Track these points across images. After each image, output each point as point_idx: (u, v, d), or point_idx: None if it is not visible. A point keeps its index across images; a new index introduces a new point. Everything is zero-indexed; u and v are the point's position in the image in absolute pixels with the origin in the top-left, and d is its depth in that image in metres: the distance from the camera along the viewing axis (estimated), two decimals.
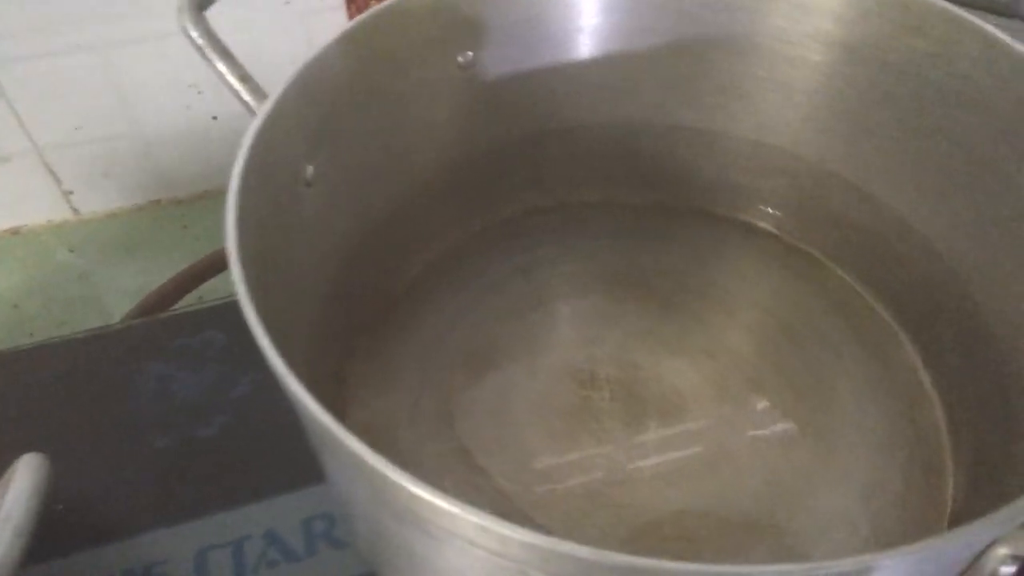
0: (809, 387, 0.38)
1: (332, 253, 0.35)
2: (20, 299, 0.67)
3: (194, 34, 0.30)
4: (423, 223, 0.41)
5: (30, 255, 0.70)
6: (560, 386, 0.38)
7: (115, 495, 0.37)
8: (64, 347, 0.43)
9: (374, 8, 0.33)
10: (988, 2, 0.39)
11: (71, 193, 0.70)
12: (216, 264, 0.58)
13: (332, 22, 0.65)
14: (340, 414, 0.36)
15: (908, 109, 0.35)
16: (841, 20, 0.36)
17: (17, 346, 0.43)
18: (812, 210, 0.42)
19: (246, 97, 0.30)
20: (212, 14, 0.31)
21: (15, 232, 0.71)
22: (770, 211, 0.44)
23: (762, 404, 0.37)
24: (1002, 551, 0.20)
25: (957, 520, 0.33)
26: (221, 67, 0.30)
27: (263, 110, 0.28)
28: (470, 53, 0.37)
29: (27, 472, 0.30)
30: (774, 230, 0.44)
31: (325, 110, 0.32)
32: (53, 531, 0.35)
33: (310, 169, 0.32)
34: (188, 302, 0.57)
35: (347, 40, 0.32)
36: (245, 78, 0.30)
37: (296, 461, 0.30)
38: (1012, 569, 0.20)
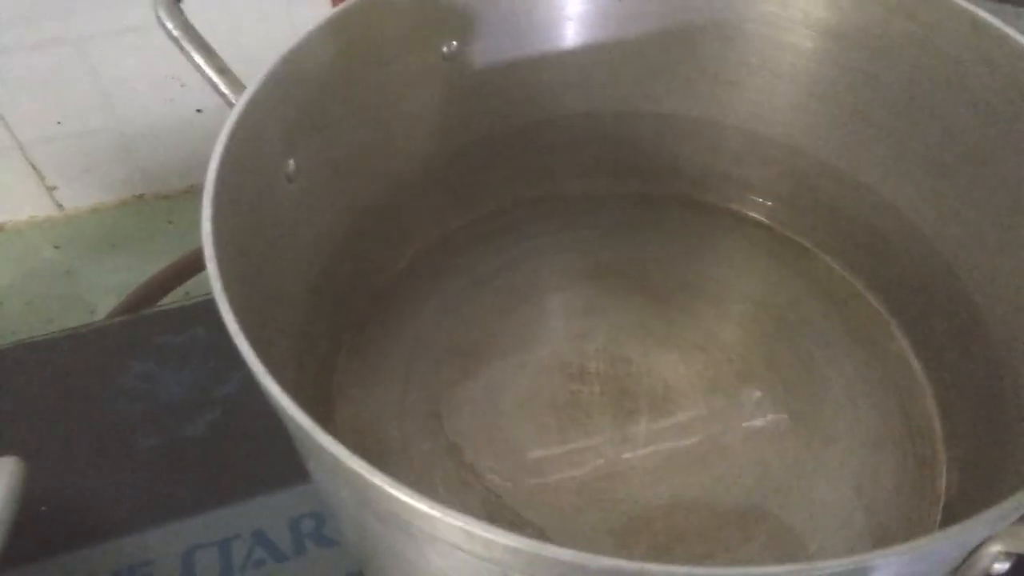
0: (801, 379, 0.37)
1: (316, 248, 0.35)
2: (3, 296, 0.67)
3: (169, 25, 0.30)
4: (408, 216, 0.40)
5: (13, 252, 0.69)
6: (550, 380, 0.37)
7: (100, 495, 0.37)
8: (48, 345, 0.42)
9: None
10: None
11: (55, 189, 0.69)
12: (202, 260, 0.57)
13: (317, 9, 0.64)
14: (328, 412, 0.36)
15: (899, 95, 0.35)
16: (832, 5, 0.35)
17: (0, 344, 0.43)
18: (803, 200, 0.42)
19: (224, 90, 0.30)
20: (193, 1, 0.31)
21: None
22: (760, 200, 0.43)
23: (753, 396, 0.37)
24: (996, 548, 0.20)
25: (950, 511, 0.33)
26: (198, 59, 0.30)
27: (239, 103, 0.28)
28: (455, 42, 0.37)
29: (2, 476, 0.30)
30: (765, 220, 0.44)
31: (306, 102, 0.32)
32: (38, 532, 0.35)
33: (291, 163, 0.31)
34: (174, 298, 0.56)
35: (329, 28, 0.32)
36: (223, 70, 0.30)
37: (283, 460, 0.30)
38: (1006, 566, 0.20)
